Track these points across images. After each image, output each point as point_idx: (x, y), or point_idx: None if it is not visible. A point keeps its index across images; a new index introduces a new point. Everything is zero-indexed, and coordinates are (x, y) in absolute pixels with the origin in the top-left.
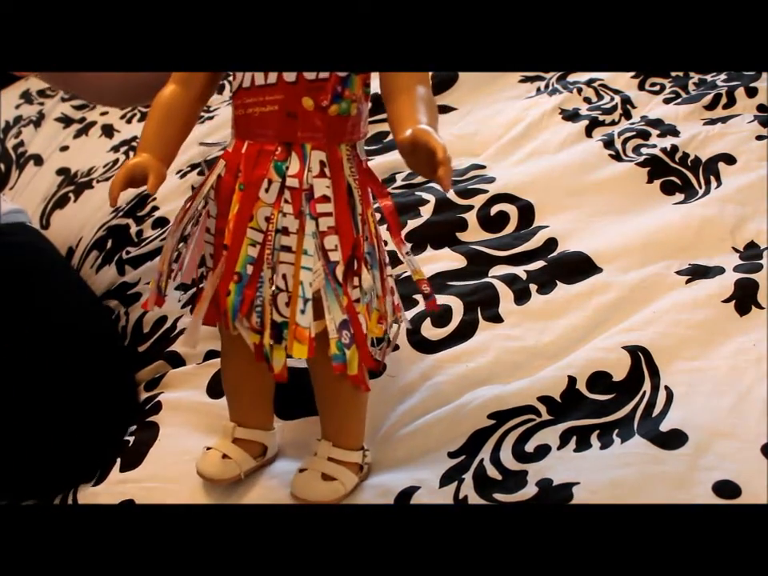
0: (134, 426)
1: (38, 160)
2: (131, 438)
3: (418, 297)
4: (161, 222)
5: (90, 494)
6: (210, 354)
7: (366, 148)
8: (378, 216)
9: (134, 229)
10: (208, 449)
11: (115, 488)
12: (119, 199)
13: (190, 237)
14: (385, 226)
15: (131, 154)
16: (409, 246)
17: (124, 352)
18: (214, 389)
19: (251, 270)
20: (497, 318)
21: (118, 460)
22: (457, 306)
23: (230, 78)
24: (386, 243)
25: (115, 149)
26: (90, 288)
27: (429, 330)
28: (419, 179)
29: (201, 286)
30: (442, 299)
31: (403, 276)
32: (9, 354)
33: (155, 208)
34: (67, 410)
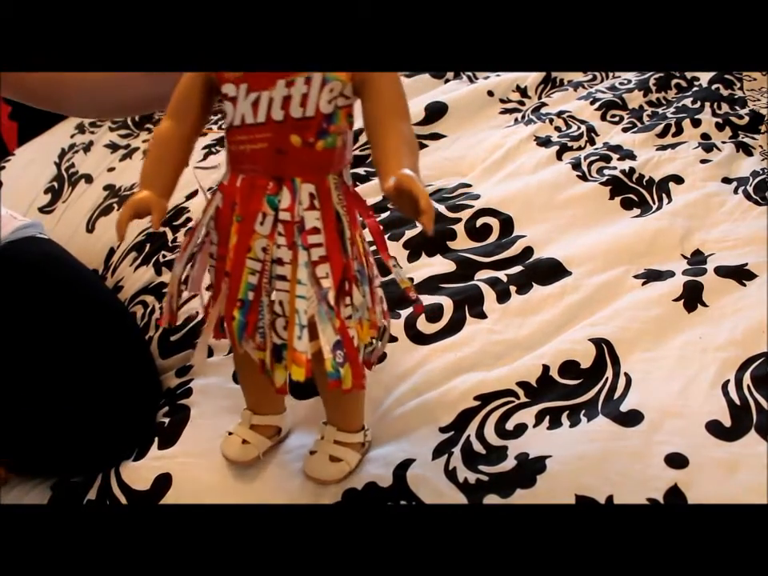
0: (167, 408)
1: (89, 179)
2: (166, 420)
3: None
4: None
5: (131, 469)
6: None
7: (367, 169)
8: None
9: (170, 236)
10: (230, 434)
11: (153, 463)
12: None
13: (194, 261)
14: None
15: None
16: (395, 259)
17: (143, 342)
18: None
19: (252, 297)
20: (481, 315)
21: (156, 439)
22: (447, 304)
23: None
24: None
25: None
26: (102, 283)
27: (423, 325)
28: None
29: (208, 301)
30: (434, 299)
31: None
32: (33, 353)
33: (189, 219)
34: (100, 399)
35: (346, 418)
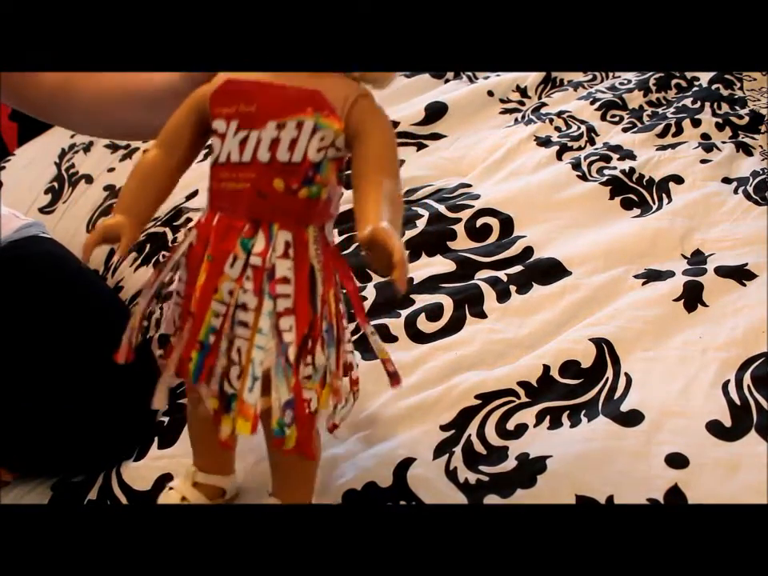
0: (167, 408)
1: (89, 179)
2: (166, 419)
3: (415, 296)
4: None
5: (131, 469)
6: None
7: None
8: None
9: (170, 236)
10: (170, 489)
11: (154, 463)
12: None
13: (169, 294)
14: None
15: None
16: (372, 327)
17: (143, 342)
18: None
19: (213, 340)
20: (482, 314)
21: (156, 438)
22: (447, 303)
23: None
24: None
25: None
26: (104, 283)
27: (423, 324)
28: (415, 196)
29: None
30: (434, 298)
31: None
32: (35, 351)
33: (189, 219)
34: (101, 398)
35: (293, 492)
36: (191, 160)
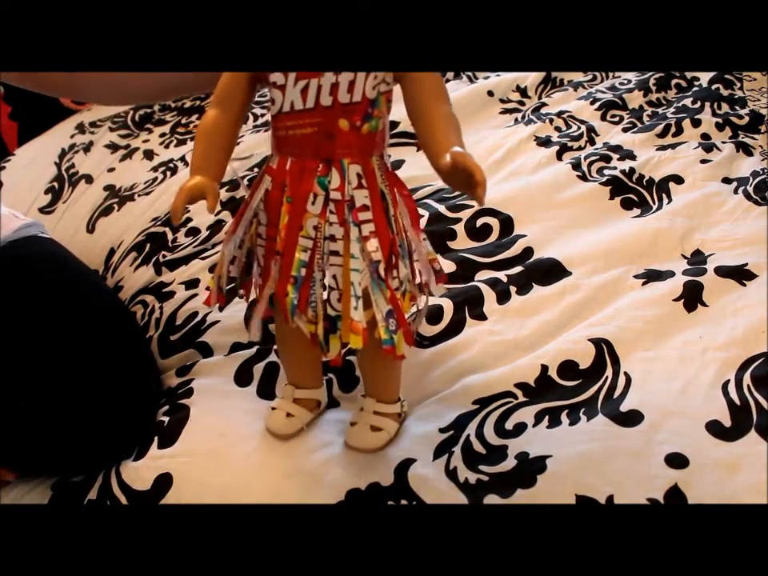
0: (167, 407)
1: (89, 179)
2: (166, 419)
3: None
4: (193, 232)
5: (131, 469)
6: (236, 347)
7: None
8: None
9: (170, 236)
10: (273, 409)
11: (153, 463)
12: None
13: (242, 242)
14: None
15: (168, 173)
16: (423, 234)
17: (143, 341)
18: (240, 377)
19: (304, 273)
20: (482, 316)
21: (156, 438)
22: (447, 306)
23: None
24: None
25: (155, 169)
26: (104, 283)
27: (424, 327)
28: (416, 196)
29: (252, 278)
30: (434, 300)
31: None
32: (35, 351)
33: (189, 219)
34: (100, 398)
35: (384, 389)
36: (245, 113)
